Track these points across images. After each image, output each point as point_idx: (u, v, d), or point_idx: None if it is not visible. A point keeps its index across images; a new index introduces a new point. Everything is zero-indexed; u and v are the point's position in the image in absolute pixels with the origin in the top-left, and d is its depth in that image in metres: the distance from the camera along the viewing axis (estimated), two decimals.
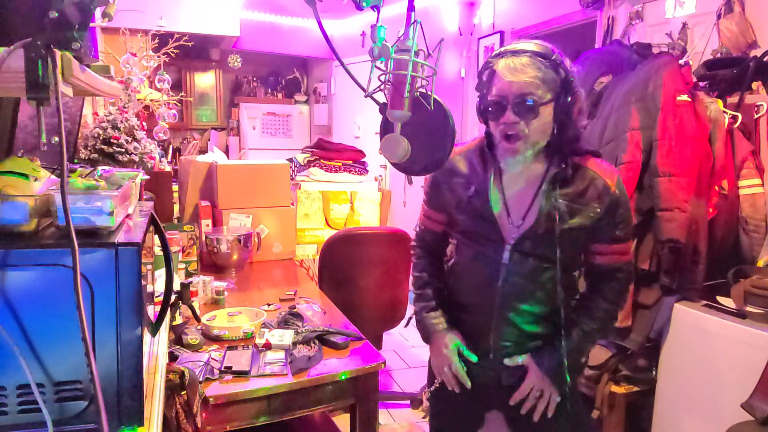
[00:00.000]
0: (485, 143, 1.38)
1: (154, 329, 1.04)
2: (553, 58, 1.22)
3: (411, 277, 1.56)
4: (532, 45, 1.24)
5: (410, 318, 1.58)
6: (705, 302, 1.82)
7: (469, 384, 1.39)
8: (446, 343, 1.40)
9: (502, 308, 1.32)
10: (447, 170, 1.41)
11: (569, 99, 1.23)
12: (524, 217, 1.30)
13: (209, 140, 6.64)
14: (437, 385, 1.47)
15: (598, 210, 1.27)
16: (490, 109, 1.26)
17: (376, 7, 1.18)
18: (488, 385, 1.41)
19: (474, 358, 1.39)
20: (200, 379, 1.40)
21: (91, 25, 0.84)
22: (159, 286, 1.44)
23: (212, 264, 2.54)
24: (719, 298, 1.83)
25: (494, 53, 1.28)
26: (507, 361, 1.36)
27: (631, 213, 1.36)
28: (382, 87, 1.26)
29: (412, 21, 1.18)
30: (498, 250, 1.31)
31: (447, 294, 1.48)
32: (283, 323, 1.79)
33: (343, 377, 1.53)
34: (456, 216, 1.40)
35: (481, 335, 1.37)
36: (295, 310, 1.89)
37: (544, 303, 1.32)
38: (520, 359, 1.35)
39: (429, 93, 1.26)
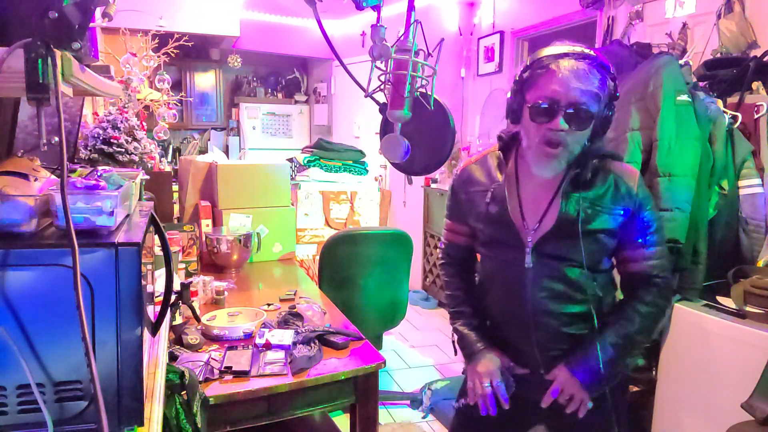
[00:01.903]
0: (502, 146, 1.33)
1: (154, 329, 1.04)
2: (612, 72, 1.17)
3: (445, 296, 1.51)
4: (591, 52, 1.17)
5: (454, 341, 1.47)
6: (705, 302, 1.82)
7: (507, 406, 1.31)
8: (491, 360, 1.33)
9: (537, 313, 1.27)
10: (464, 180, 1.38)
11: (610, 113, 1.20)
12: (541, 219, 1.26)
13: (209, 140, 6.65)
14: (469, 402, 1.38)
15: (622, 213, 1.22)
16: (535, 110, 1.18)
17: (376, 7, 1.19)
18: (535, 402, 1.33)
19: (524, 372, 1.33)
20: (200, 379, 1.40)
21: (91, 25, 0.84)
22: (159, 286, 1.44)
23: (212, 264, 2.54)
24: (719, 298, 1.83)
25: (548, 53, 1.18)
26: None
27: (658, 215, 1.29)
28: (382, 87, 1.27)
29: (412, 21, 1.18)
30: (519, 255, 1.26)
31: (482, 312, 1.43)
32: (283, 323, 1.79)
33: (343, 377, 1.53)
34: (476, 226, 1.36)
35: (525, 349, 1.32)
36: (295, 310, 1.89)
37: (582, 303, 1.26)
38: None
39: (429, 93, 1.26)
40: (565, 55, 1.15)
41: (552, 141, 1.18)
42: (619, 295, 1.38)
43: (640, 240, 1.25)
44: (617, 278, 1.38)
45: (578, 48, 1.16)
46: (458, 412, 1.48)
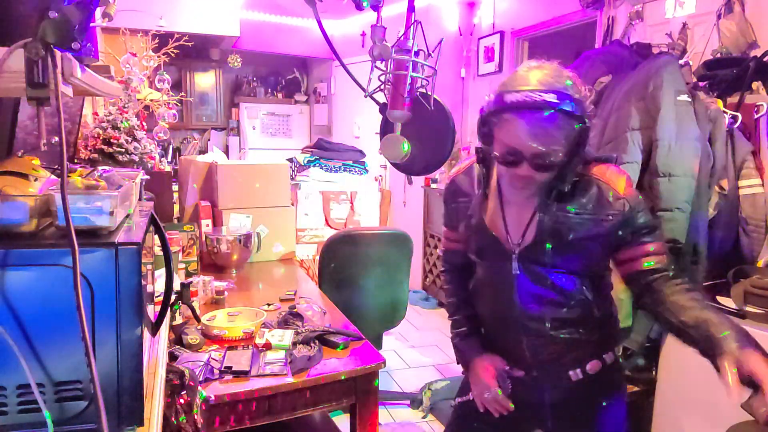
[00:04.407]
0: (479, 160, 1.31)
1: (154, 329, 1.04)
2: (579, 114, 1.10)
3: (445, 302, 1.54)
4: (553, 97, 1.07)
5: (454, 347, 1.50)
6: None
7: (512, 407, 1.33)
8: (486, 369, 1.35)
9: (526, 319, 1.27)
10: (452, 191, 1.40)
11: (582, 132, 1.14)
12: (524, 234, 1.25)
13: (209, 140, 6.65)
14: (468, 398, 1.41)
15: (611, 218, 1.20)
16: (502, 159, 1.17)
17: (376, 7, 1.19)
18: (530, 404, 1.35)
19: (519, 375, 1.34)
20: (200, 379, 1.40)
21: (91, 25, 0.84)
22: (159, 286, 1.44)
23: (212, 264, 2.54)
24: (719, 298, 1.83)
25: (512, 95, 1.11)
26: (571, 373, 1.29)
27: (650, 212, 1.27)
28: (382, 87, 1.27)
29: (412, 21, 1.18)
30: (506, 263, 1.27)
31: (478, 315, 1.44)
32: (283, 323, 1.79)
33: (343, 377, 1.53)
34: (465, 234, 1.38)
35: (516, 352, 1.32)
36: (295, 310, 1.89)
37: (571, 307, 1.25)
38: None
39: (429, 93, 1.26)
40: (524, 104, 1.09)
41: (519, 182, 1.18)
42: (620, 294, 1.37)
43: (637, 238, 1.22)
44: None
45: (545, 96, 1.08)
46: (456, 409, 1.50)
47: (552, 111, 1.07)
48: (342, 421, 2.13)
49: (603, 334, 1.30)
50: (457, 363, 1.48)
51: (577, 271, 1.24)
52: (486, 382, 1.34)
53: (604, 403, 1.32)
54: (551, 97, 1.07)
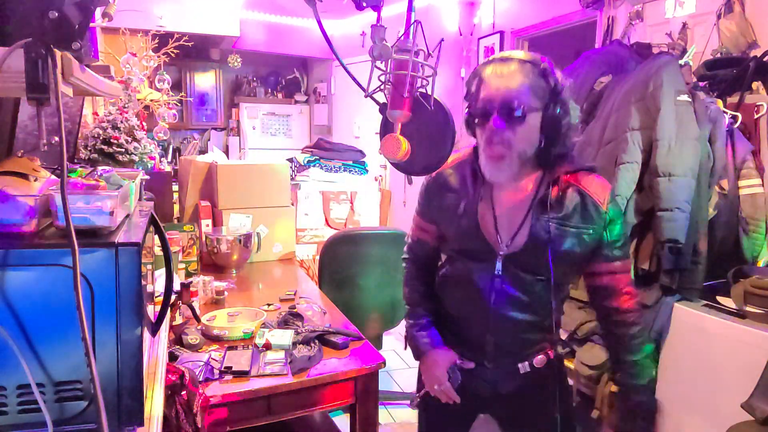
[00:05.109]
0: (474, 158, 1.34)
1: (154, 329, 1.04)
2: (542, 66, 1.20)
3: (403, 292, 1.54)
4: (520, 53, 1.23)
5: (406, 337, 1.54)
6: (705, 302, 1.82)
7: (459, 400, 1.39)
8: (436, 362, 1.39)
9: (496, 318, 1.30)
10: (439, 184, 1.38)
11: (558, 110, 1.20)
12: (513, 237, 1.28)
13: (209, 140, 6.65)
14: (425, 392, 1.46)
15: (591, 231, 1.25)
16: (476, 116, 1.24)
17: (376, 7, 1.19)
18: (483, 393, 1.41)
19: (469, 367, 1.39)
20: (200, 379, 1.40)
21: (91, 25, 0.84)
22: (159, 286, 1.44)
23: (212, 264, 2.54)
24: (719, 298, 1.83)
25: (482, 62, 1.27)
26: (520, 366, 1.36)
27: (625, 229, 1.33)
28: (382, 87, 1.27)
29: (412, 21, 1.18)
30: (489, 263, 1.29)
31: (439, 305, 1.46)
32: (283, 323, 1.79)
33: (343, 377, 1.53)
34: (446, 232, 1.38)
35: (476, 344, 1.36)
36: (295, 310, 1.89)
37: (538, 312, 1.30)
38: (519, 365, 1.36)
39: (429, 93, 1.26)
40: (491, 62, 1.23)
41: (493, 140, 1.21)
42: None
43: (605, 253, 1.28)
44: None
45: (507, 53, 1.24)
46: (418, 405, 1.52)
47: (518, 61, 1.20)
48: (342, 421, 2.14)
49: (550, 333, 1.37)
50: (411, 350, 1.52)
51: (555, 279, 1.26)
52: (436, 374, 1.38)
53: (550, 391, 1.37)
54: (515, 54, 1.23)
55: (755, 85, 2.09)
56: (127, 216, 0.93)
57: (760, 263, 1.91)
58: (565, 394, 1.44)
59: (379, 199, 3.70)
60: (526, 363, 1.36)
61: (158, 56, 2.91)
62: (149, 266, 0.99)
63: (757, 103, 2.00)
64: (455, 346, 1.41)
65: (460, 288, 1.38)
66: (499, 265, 1.28)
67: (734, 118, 2.01)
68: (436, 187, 1.40)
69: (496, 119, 1.19)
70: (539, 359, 1.36)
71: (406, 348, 1.53)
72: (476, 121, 1.24)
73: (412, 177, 1.35)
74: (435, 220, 1.41)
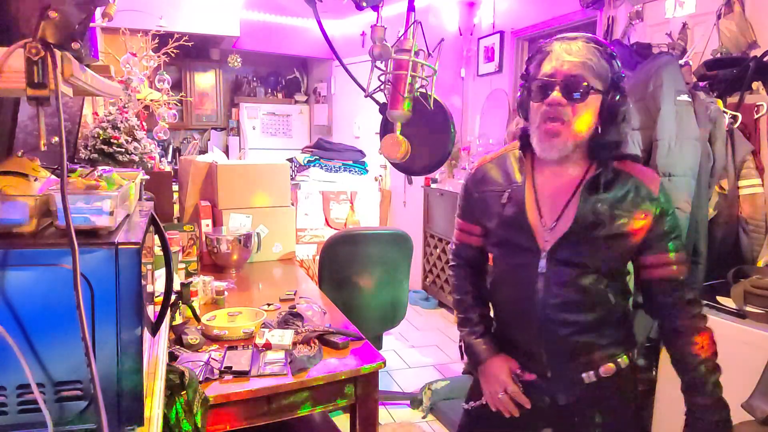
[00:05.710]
0: (521, 144, 1.30)
1: (154, 329, 1.04)
2: (608, 51, 1.18)
3: (452, 299, 1.49)
4: (588, 34, 1.20)
5: (461, 347, 1.46)
6: (705, 302, 1.82)
7: (529, 405, 1.30)
8: (499, 368, 1.32)
9: (546, 321, 1.24)
10: (479, 179, 1.34)
11: (617, 97, 1.17)
12: (558, 219, 1.22)
13: (209, 140, 6.65)
14: (482, 403, 1.39)
15: (643, 218, 1.19)
16: (535, 90, 1.19)
17: (376, 7, 1.19)
18: (541, 406, 1.33)
19: (531, 378, 1.32)
20: (200, 379, 1.40)
21: (91, 25, 0.84)
22: (159, 286, 1.44)
23: (212, 264, 2.54)
24: (719, 298, 1.83)
25: (546, 42, 1.23)
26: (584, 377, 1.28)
27: (679, 220, 1.27)
28: (382, 87, 1.27)
29: (412, 21, 1.18)
30: (534, 258, 1.23)
31: (492, 312, 1.42)
32: (283, 323, 1.79)
33: (343, 377, 1.53)
34: (489, 227, 1.33)
35: (532, 353, 1.29)
36: (295, 310, 1.89)
37: (593, 310, 1.23)
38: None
39: (429, 93, 1.26)
40: (558, 38, 1.19)
41: (551, 115, 1.16)
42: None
43: (662, 244, 1.22)
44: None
45: (573, 34, 1.20)
46: (468, 413, 1.46)
47: (586, 39, 1.16)
48: (342, 421, 2.13)
49: (619, 337, 1.29)
50: (466, 363, 1.43)
51: (605, 272, 1.21)
52: (502, 379, 1.31)
53: (616, 407, 1.30)
54: (587, 35, 1.18)
55: (755, 85, 2.09)
56: (127, 216, 0.93)
57: (760, 263, 1.91)
58: (638, 409, 1.37)
59: (379, 199, 3.71)
60: (591, 372, 1.26)
61: (158, 56, 2.91)
62: (149, 266, 0.99)
63: (757, 103, 2.00)
64: (512, 356, 1.35)
65: (506, 291, 1.34)
66: (543, 263, 1.22)
67: (734, 118, 2.01)
68: (475, 181, 1.36)
69: (557, 93, 1.15)
70: (606, 368, 1.26)
71: (463, 358, 1.44)
72: (535, 93, 1.19)
73: (412, 177, 1.35)
74: (477, 218, 1.37)
